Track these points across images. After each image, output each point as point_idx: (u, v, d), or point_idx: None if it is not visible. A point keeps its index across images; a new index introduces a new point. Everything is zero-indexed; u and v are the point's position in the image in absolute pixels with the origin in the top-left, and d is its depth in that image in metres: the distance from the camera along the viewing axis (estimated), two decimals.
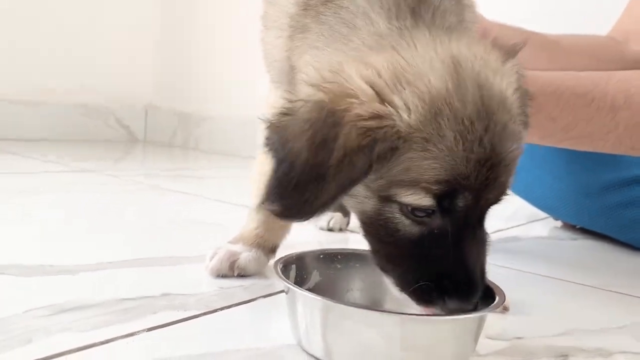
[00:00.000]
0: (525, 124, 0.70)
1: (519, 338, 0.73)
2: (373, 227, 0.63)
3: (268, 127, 0.61)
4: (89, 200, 1.47)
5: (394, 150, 0.57)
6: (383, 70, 0.58)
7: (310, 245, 1.17)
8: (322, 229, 1.30)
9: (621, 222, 1.34)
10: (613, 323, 0.84)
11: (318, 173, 0.57)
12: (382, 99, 0.57)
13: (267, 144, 0.61)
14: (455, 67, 0.58)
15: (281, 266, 0.69)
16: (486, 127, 0.57)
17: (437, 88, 0.57)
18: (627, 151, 1.05)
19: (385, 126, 0.56)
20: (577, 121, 1.00)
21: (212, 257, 0.89)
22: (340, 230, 1.30)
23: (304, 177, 0.58)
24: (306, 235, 1.23)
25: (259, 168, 0.84)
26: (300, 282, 0.73)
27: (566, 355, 0.70)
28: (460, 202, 0.58)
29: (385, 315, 0.60)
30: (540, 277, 1.07)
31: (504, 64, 0.64)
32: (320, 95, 0.58)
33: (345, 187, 0.58)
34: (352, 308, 0.60)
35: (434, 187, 0.57)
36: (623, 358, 0.71)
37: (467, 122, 0.56)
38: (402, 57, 0.59)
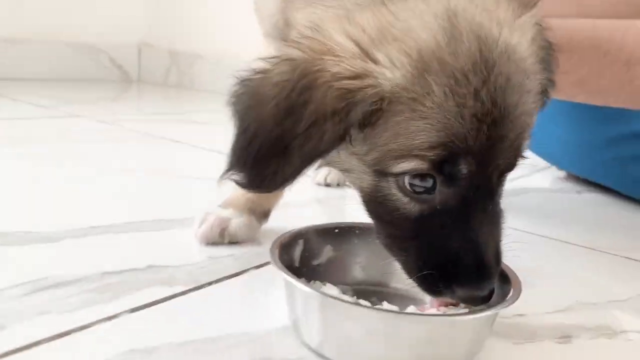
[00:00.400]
0: (550, 82, 0.64)
1: (520, 315, 0.70)
2: (372, 205, 0.59)
3: (237, 84, 0.55)
4: (75, 151, 1.41)
5: (377, 112, 0.51)
6: (368, 26, 0.53)
7: (307, 204, 1.14)
8: (319, 184, 1.25)
9: (634, 175, 1.29)
10: (618, 295, 0.81)
11: (282, 145, 0.52)
12: (365, 56, 0.51)
13: (231, 103, 0.55)
14: (450, 20, 0.53)
15: (282, 244, 0.64)
16: (484, 79, 0.51)
17: (427, 42, 0.51)
18: None
19: (367, 86, 0.50)
20: (589, 76, 0.94)
21: (202, 223, 0.84)
22: (338, 185, 1.25)
23: (266, 149, 0.53)
24: (303, 193, 1.18)
25: None
26: (309, 257, 0.69)
27: (569, 336, 0.67)
28: (463, 169, 0.52)
29: (369, 310, 0.54)
30: (543, 239, 1.03)
31: (519, 16, 0.57)
32: (295, 53, 0.52)
33: (311, 160, 0.53)
34: (337, 300, 0.55)
35: (429, 154, 0.51)
36: (627, 338, 0.68)
37: (458, 75, 0.50)
38: (390, 12, 0.54)
